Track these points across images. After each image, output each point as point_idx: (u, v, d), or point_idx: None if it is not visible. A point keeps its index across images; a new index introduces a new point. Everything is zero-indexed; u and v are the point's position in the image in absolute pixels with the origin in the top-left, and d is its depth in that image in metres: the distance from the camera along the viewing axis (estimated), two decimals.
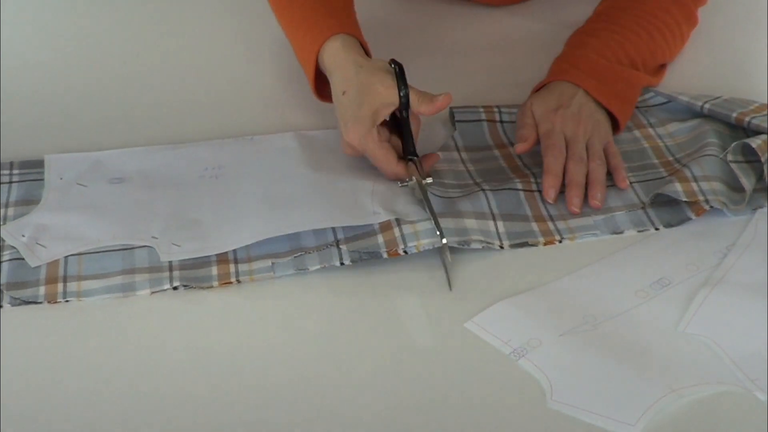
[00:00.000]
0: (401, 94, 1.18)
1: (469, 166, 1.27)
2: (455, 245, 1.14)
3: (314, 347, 1.07)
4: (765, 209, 1.19)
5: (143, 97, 1.43)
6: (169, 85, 1.44)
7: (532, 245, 1.17)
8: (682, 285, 1.12)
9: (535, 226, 1.19)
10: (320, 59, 1.26)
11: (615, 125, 1.30)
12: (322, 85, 1.29)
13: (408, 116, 1.21)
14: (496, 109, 1.34)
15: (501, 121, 1.33)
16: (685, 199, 1.18)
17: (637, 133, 1.32)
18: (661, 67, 1.39)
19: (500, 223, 1.18)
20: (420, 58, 1.38)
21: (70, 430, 1.00)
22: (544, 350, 1.05)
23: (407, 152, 1.22)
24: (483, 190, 1.21)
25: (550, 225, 1.19)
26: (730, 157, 1.20)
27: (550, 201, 1.20)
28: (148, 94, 1.43)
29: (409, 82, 1.21)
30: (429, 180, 1.19)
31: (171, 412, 1.01)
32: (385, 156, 1.21)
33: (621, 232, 1.18)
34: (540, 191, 1.22)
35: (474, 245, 1.15)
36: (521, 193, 1.22)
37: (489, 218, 1.18)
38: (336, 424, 1.00)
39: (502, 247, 1.16)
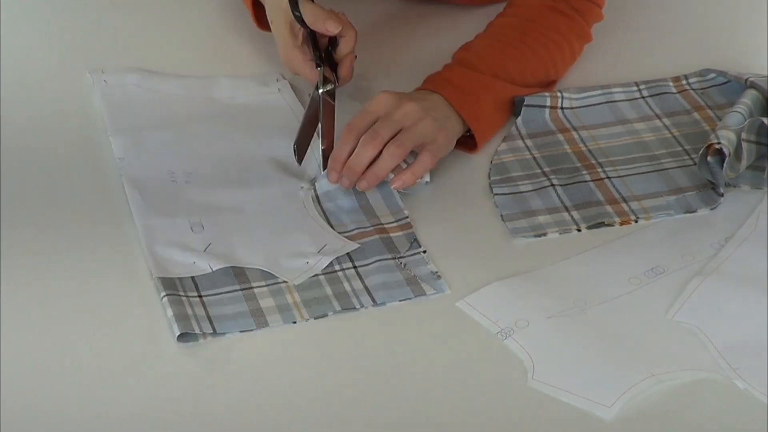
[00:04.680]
0: (295, 14, 1.29)
1: (534, 152, 1.29)
2: (531, 238, 1.18)
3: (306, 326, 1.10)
4: (765, 205, 1.20)
5: None
6: None
7: (609, 225, 1.19)
8: (676, 274, 1.13)
9: (609, 208, 1.21)
10: None
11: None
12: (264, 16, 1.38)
13: (309, 30, 1.30)
14: (558, 94, 1.35)
15: (562, 108, 1.35)
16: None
17: (696, 115, 1.34)
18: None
19: (574, 213, 1.21)
20: (409, 60, 1.43)
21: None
22: (530, 331, 1.07)
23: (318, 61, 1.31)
24: (553, 185, 1.24)
25: (624, 206, 1.21)
26: (743, 135, 1.21)
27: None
28: None
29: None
30: (328, 87, 1.27)
31: None
32: (308, 74, 1.31)
33: (694, 211, 1.20)
34: (609, 178, 1.24)
35: (551, 235, 1.18)
36: (591, 183, 1.24)
37: (563, 210, 1.21)
38: (322, 392, 1.03)
39: (579, 230, 1.19)
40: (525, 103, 1.33)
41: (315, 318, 1.09)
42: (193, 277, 1.12)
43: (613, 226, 1.19)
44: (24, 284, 1.13)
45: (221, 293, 1.11)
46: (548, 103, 1.34)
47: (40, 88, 1.40)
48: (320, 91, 1.27)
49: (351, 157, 1.20)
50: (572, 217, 1.20)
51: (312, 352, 1.08)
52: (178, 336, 1.06)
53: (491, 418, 1.00)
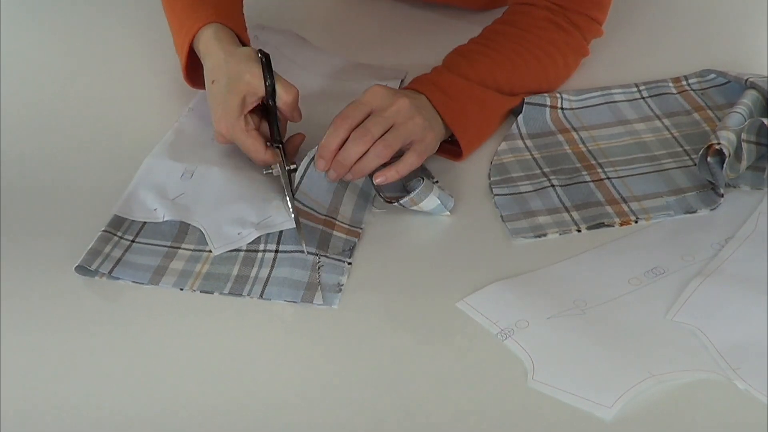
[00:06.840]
0: (267, 84, 1.21)
1: (534, 153, 1.30)
2: (531, 238, 1.18)
3: (306, 327, 1.10)
4: (765, 205, 1.20)
5: (145, 98, 1.42)
6: (168, 84, 1.42)
7: (608, 226, 1.19)
8: (676, 274, 1.13)
9: (609, 208, 1.21)
10: (196, 48, 1.29)
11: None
12: (198, 73, 1.30)
13: (275, 104, 1.23)
14: (558, 95, 1.36)
15: (562, 108, 1.35)
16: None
17: (696, 115, 1.34)
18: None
19: (574, 213, 1.21)
20: (409, 62, 1.44)
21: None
22: (530, 331, 1.07)
23: (273, 140, 1.24)
24: (553, 186, 1.24)
25: (624, 207, 1.21)
26: (743, 136, 1.21)
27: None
28: (149, 95, 1.43)
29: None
30: (293, 166, 1.21)
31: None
32: (252, 144, 1.23)
33: (694, 212, 1.20)
34: (609, 178, 1.24)
35: (551, 235, 1.18)
36: (591, 184, 1.24)
37: (562, 211, 1.21)
38: (323, 391, 1.03)
39: (579, 231, 1.19)
40: (526, 101, 1.33)
41: (201, 292, 1.12)
42: (144, 223, 1.17)
43: (613, 226, 1.19)
44: (21, 285, 1.13)
45: (151, 244, 1.15)
46: (548, 103, 1.34)
47: (40, 87, 1.41)
48: (290, 167, 1.21)
49: (340, 152, 1.20)
50: (572, 217, 1.20)
51: (308, 349, 1.08)
52: (75, 267, 1.11)
53: (491, 418, 1.00)
